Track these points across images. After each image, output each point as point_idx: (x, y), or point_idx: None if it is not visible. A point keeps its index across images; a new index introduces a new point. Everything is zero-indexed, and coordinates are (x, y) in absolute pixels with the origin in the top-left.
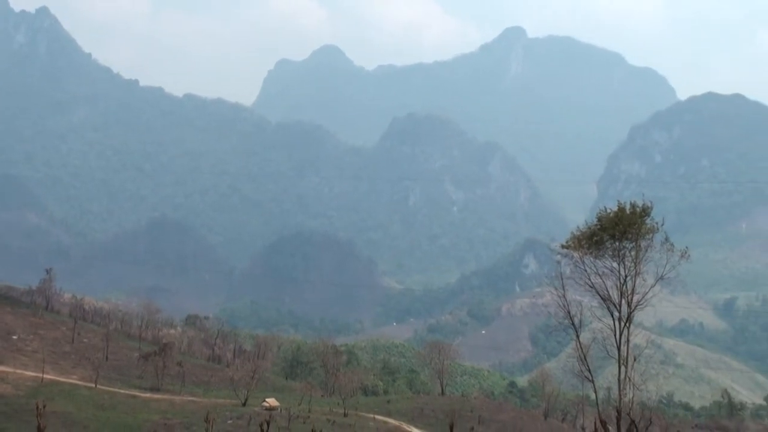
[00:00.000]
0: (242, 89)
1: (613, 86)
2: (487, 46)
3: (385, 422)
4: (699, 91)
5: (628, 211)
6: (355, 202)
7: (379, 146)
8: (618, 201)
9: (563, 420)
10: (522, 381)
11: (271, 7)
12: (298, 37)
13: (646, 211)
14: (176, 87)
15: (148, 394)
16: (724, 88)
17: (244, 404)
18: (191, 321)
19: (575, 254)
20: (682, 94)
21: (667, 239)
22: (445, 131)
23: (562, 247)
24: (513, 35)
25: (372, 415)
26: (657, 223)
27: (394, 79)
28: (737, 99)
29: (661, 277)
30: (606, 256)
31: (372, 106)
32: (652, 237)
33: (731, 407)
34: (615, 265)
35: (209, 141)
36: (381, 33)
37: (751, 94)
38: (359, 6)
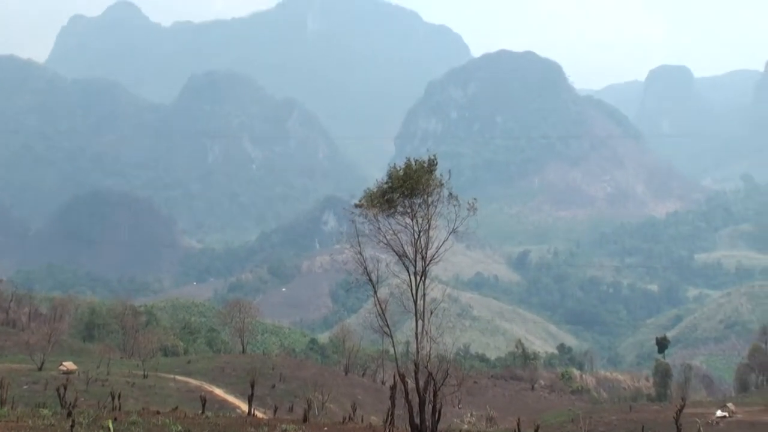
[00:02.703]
0: (35, 46)
1: (410, 43)
2: (283, 2)
3: (186, 382)
4: (492, 49)
5: (414, 167)
6: (154, 160)
7: (178, 103)
8: (406, 157)
9: (363, 375)
10: (323, 338)
11: None
12: None
13: (432, 166)
14: None
15: None
16: (514, 47)
17: (40, 368)
18: None
19: (370, 212)
20: (477, 52)
21: (451, 194)
22: (243, 88)
23: (355, 206)
24: None
25: (172, 376)
26: (443, 178)
27: (192, 35)
28: (529, 56)
29: (453, 231)
30: (399, 212)
31: (170, 62)
32: (440, 192)
33: (525, 357)
34: (408, 221)
35: (0, 99)
36: None
37: (541, 52)
38: None
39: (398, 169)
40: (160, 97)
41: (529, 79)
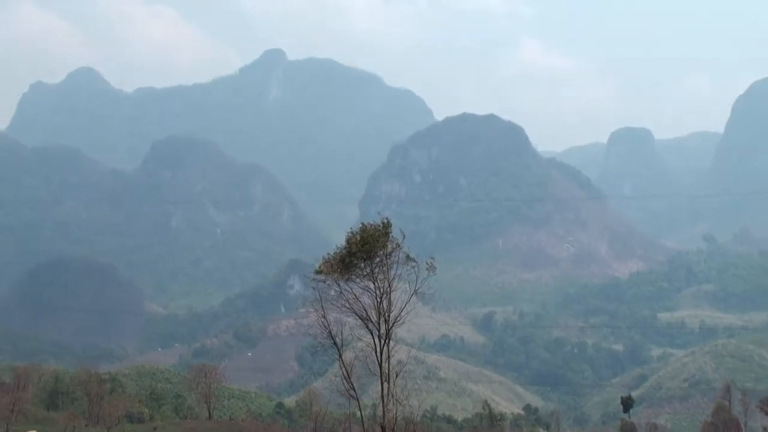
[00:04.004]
0: None
1: (372, 107)
2: (246, 68)
3: None
4: (454, 112)
5: (370, 231)
6: (116, 227)
7: (140, 170)
8: (361, 222)
9: None
10: (290, 401)
11: (20, 29)
12: (52, 59)
13: (386, 228)
14: None
15: None
16: (477, 110)
17: None
18: None
19: (330, 277)
20: (439, 115)
21: (408, 255)
22: (205, 154)
23: (316, 272)
24: (273, 57)
25: None
26: (399, 239)
27: (154, 101)
28: (491, 119)
29: (414, 292)
30: (359, 276)
31: (132, 129)
32: (398, 254)
33: (492, 418)
34: (370, 284)
35: None
36: (138, 55)
37: (503, 115)
38: (113, 28)
39: (355, 233)
40: (122, 163)
41: (492, 141)
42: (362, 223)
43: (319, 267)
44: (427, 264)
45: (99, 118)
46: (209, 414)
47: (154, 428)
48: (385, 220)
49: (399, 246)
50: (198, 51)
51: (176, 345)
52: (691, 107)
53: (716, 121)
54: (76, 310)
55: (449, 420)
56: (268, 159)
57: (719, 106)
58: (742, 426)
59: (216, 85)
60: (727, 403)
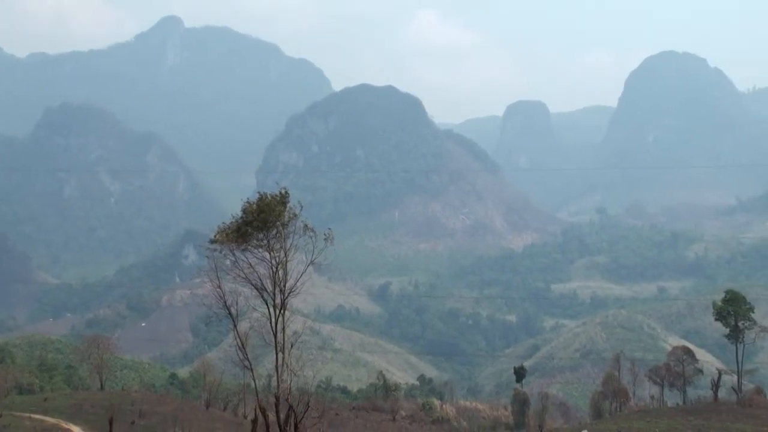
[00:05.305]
0: None
1: (270, 77)
2: (143, 35)
3: (42, 421)
4: (353, 83)
5: (268, 200)
6: (7, 195)
7: (33, 137)
8: (258, 191)
9: (225, 409)
10: (183, 372)
11: None
12: None
13: (284, 198)
14: None
15: None
16: (375, 81)
17: None
18: None
19: (227, 247)
20: (337, 86)
21: (306, 225)
22: (100, 121)
23: (211, 241)
24: (169, 24)
25: (28, 415)
26: (295, 209)
27: (47, 67)
28: (389, 90)
29: (311, 263)
30: (256, 246)
31: (24, 95)
32: (295, 223)
33: (386, 388)
34: (266, 254)
35: None
36: (32, 20)
37: (401, 86)
38: None
39: (252, 203)
40: (13, 130)
41: (389, 113)
42: (259, 193)
43: (215, 236)
44: (325, 235)
45: None
46: (101, 385)
47: (45, 399)
48: (283, 190)
49: (296, 216)
50: (93, 16)
51: (68, 315)
52: (587, 82)
53: (611, 95)
54: None
55: (344, 390)
56: (164, 128)
57: (614, 81)
58: (631, 395)
59: (112, 51)
60: (616, 372)
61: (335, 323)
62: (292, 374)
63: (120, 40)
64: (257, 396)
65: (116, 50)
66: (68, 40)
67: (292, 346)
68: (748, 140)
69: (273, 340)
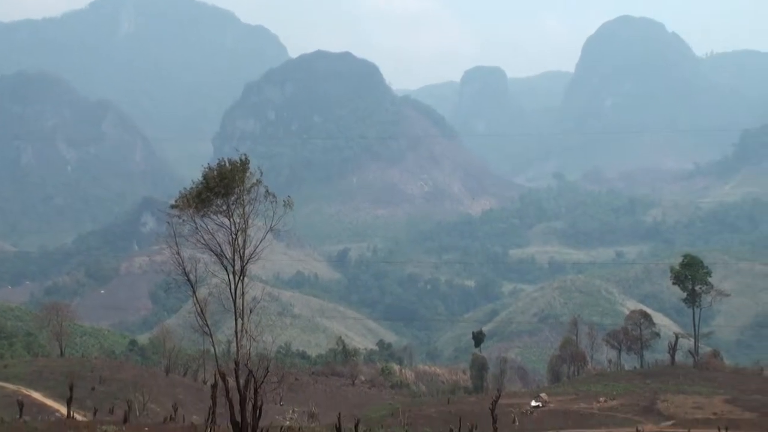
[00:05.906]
0: None
1: (225, 44)
2: (97, 3)
3: (3, 387)
4: (309, 49)
5: (228, 167)
6: None
7: None
8: (219, 158)
9: (185, 375)
10: (143, 339)
11: None
12: None
13: (244, 165)
14: None
15: None
16: (332, 48)
17: None
18: None
19: (186, 213)
20: (294, 53)
21: (268, 191)
22: (56, 89)
23: (171, 207)
24: None
25: None
26: (255, 175)
27: (1, 35)
28: (346, 57)
29: (270, 229)
30: (216, 212)
31: None
32: (256, 190)
33: (345, 353)
34: (226, 220)
35: None
36: None
37: (358, 53)
38: None
39: (212, 169)
40: None
41: (346, 79)
42: (219, 159)
43: (176, 201)
44: (285, 201)
45: None
46: (61, 352)
47: (5, 366)
48: (243, 156)
49: (259, 182)
50: None
51: (27, 283)
52: (545, 48)
53: (569, 61)
54: None
55: (303, 356)
56: (119, 95)
57: (572, 46)
58: (588, 359)
59: (66, 19)
60: (574, 336)
61: (294, 289)
62: (252, 340)
63: (74, 8)
64: (217, 361)
65: (70, 18)
66: (21, 7)
67: (251, 312)
68: (705, 105)
69: (232, 306)
